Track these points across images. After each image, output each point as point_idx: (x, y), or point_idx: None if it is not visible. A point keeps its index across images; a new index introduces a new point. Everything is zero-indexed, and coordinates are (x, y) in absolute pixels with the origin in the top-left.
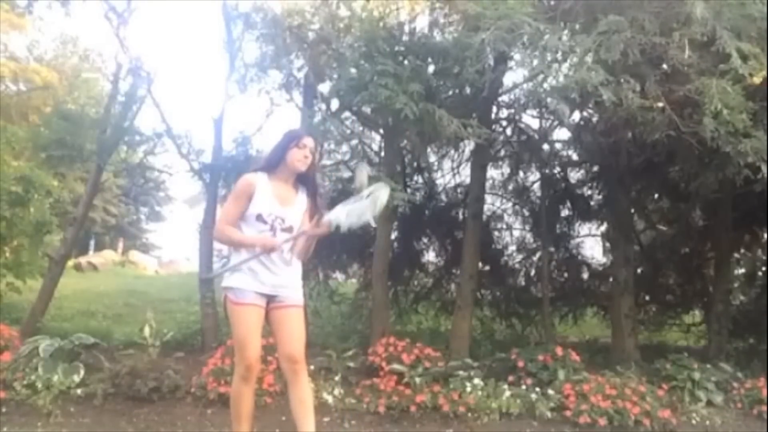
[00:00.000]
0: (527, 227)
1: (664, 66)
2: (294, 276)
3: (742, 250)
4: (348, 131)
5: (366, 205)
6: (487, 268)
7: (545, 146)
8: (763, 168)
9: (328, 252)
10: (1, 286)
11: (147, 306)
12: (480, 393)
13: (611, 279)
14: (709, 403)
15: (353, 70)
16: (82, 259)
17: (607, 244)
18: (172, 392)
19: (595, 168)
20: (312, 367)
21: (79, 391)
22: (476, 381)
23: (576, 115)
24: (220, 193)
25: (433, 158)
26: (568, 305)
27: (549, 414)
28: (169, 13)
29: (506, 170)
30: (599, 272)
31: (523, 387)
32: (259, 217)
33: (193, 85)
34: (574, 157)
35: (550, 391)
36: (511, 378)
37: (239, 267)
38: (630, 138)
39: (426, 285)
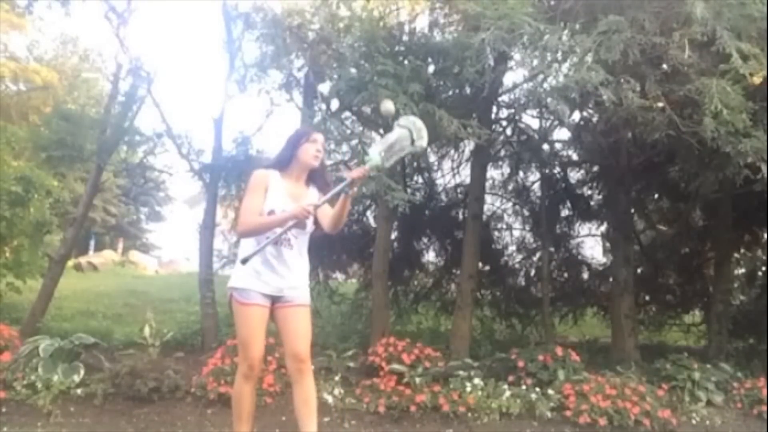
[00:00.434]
0: (527, 227)
1: (664, 66)
2: (300, 276)
3: (742, 250)
4: (348, 131)
5: (404, 135)
6: (487, 268)
7: (545, 146)
8: (763, 168)
9: (328, 252)
10: (1, 286)
11: (147, 306)
12: (480, 393)
13: (611, 279)
14: (709, 403)
15: (353, 70)
16: (82, 259)
17: (607, 244)
18: (172, 392)
19: (595, 168)
20: (312, 367)
21: (79, 391)
22: (476, 381)
23: (576, 115)
24: (220, 193)
25: (433, 158)
26: (568, 305)
27: (549, 414)
28: (169, 13)
29: (506, 170)
30: (599, 272)
31: (523, 387)
32: (272, 214)
33: (193, 85)
34: (574, 157)
35: (550, 391)
36: (511, 378)
37: (248, 262)
38: (630, 138)
39: (426, 285)
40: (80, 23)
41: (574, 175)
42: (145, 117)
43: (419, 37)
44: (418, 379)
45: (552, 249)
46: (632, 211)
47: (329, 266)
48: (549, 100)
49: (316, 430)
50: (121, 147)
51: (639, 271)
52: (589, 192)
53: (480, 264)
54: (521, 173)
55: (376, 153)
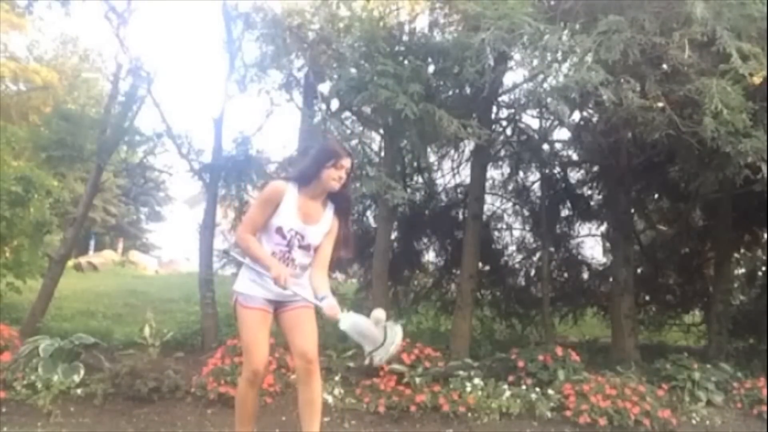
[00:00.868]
0: (527, 227)
1: (664, 66)
2: (303, 285)
3: (742, 250)
4: (348, 131)
5: (377, 338)
6: (487, 268)
7: (545, 146)
8: (763, 168)
9: None
10: (1, 286)
11: (147, 306)
12: (480, 393)
13: (611, 279)
14: (709, 403)
15: (353, 70)
16: (82, 259)
17: (607, 244)
18: (172, 392)
19: (595, 168)
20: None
21: (79, 391)
22: (476, 381)
23: (576, 115)
24: (219, 193)
25: (433, 158)
26: (568, 305)
27: (549, 414)
28: (169, 13)
29: (506, 170)
30: (599, 272)
31: (523, 387)
32: (279, 230)
33: (193, 85)
34: (574, 157)
35: (550, 391)
36: (511, 378)
37: (250, 268)
38: (630, 138)
39: (426, 285)
40: (80, 23)
41: (574, 175)
42: (145, 117)
43: (419, 37)
44: (418, 379)
45: (552, 249)
46: (632, 211)
47: (329, 266)
48: (549, 100)
49: (318, 430)
50: (121, 147)
51: (639, 271)
52: (589, 192)
53: (480, 264)
54: (521, 173)
55: (351, 325)
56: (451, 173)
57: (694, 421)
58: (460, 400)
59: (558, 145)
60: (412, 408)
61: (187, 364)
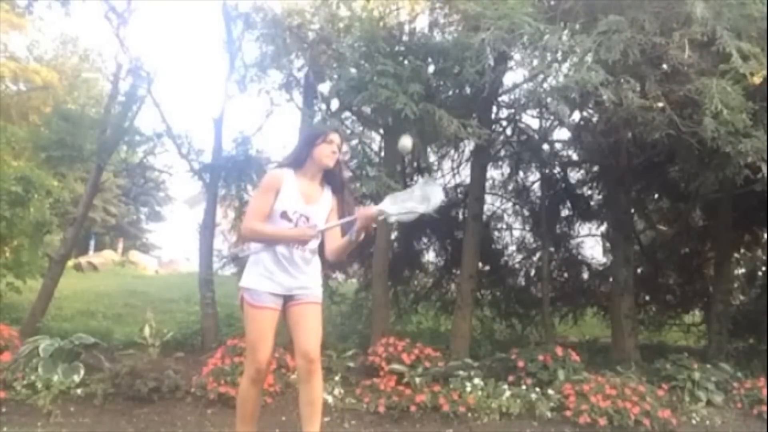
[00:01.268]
0: (527, 227)
1: (664, 66)
2: (311, 276)
3: (742, 250)
4: (348, 131)
5: (417, 201)
6: (487, 268)
7: (545, 146)
8: (763, 168)
9: None
10: (1, 286)
11: (147, 306)
12: (480, 393)
13: (611, 279)
14: (709, 403)
15: (353, 70)
16: (82, 259)
17: (607, 244)
18: (172, 392)
19: (595, 168)
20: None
21: (79, 391)
22: (476, 381)
23: (576, 115)
24: (219, 193)
25: (433, 158)
26: (568, 305)
27: (549, 414)
28: (169, 13)
29: (506, 170)
30: (599, 272)
31: (523, 387)
32: (284, 215)
33: (193, 85)
34: (574, 157)
35: (550, 391)
36: (511, 378)
37: (257, 263)
38: (630, 138)
39: (426, 285)
40: (80, 23)
41: (574, 175)
42: (145, 117)
43: (419, 37)
44: (418, 379)
45: (552, 249)
46: (632, 211)
47: (329, 266)
48: (549, 100)
49: (318, 430)
50: (121, 147)
51: (639, 271)
52: (589, 192)
53: (480, 264)
54: (521, 173)
55: (392, 206)
56: (451, 173)
57: (694, 421)
58: (460, 400)
59: (558, 145)
60: (412, 408)
61: (187, 364)
